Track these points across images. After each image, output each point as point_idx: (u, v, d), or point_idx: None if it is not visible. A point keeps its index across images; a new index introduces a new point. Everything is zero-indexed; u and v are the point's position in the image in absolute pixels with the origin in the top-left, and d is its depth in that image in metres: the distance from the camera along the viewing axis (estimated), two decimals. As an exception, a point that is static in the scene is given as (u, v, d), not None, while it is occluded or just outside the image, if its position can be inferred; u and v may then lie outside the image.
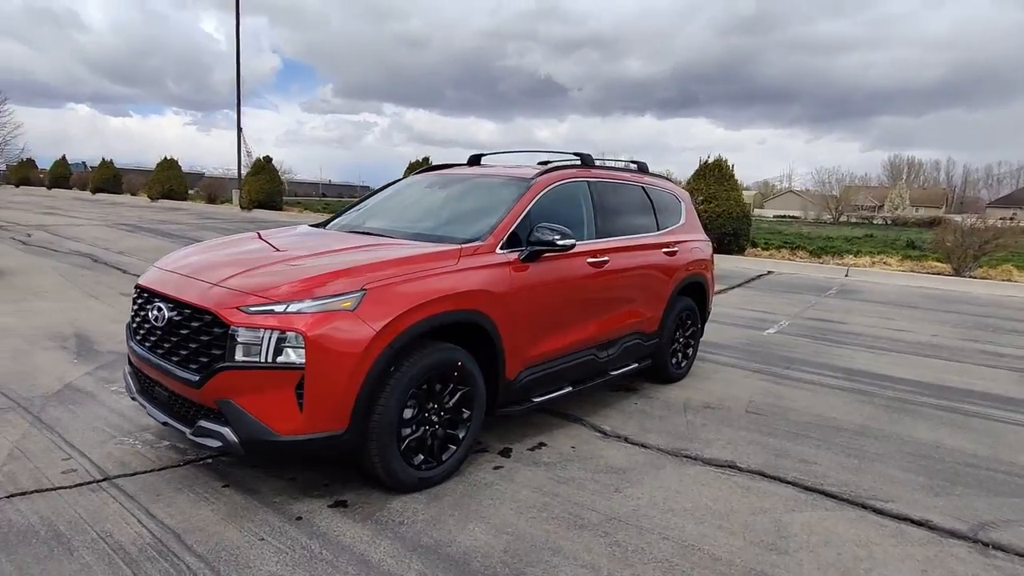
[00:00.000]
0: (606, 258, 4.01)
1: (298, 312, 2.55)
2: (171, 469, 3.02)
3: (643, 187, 4.81)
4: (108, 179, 38.86)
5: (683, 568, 2.40)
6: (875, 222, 44.05)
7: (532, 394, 3.57)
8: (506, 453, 3.45)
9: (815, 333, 7.12)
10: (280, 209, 27.73)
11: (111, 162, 40.51)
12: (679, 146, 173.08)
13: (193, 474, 2.99)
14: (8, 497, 2.67)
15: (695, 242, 5.17)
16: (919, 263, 13.65)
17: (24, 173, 47.93)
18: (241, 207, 28.13)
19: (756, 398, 4.65)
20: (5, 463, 3.00)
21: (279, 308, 2.56)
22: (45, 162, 45.93)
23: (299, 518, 2.63)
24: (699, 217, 5.54)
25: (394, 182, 4.75)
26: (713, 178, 13.46)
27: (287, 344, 2.51)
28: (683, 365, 5.07)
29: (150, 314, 2.90)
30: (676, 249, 4.82)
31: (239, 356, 2.52)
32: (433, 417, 2.97)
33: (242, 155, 29.48)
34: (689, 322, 5.10)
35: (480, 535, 2.57)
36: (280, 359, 2.51)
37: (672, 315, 4.77)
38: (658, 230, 4.77)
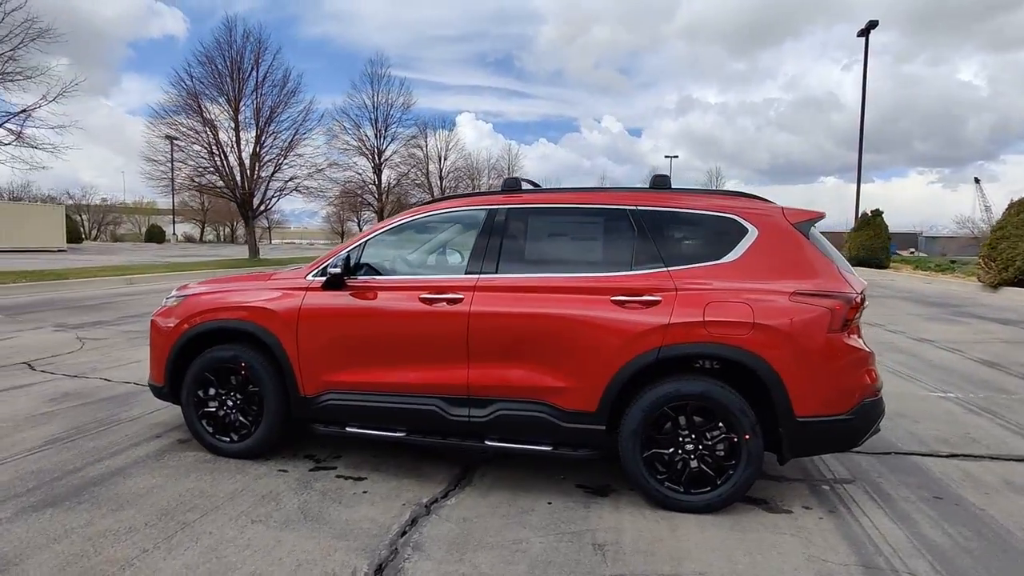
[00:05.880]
0: (459, 295, 3.36)
1: (162, 303, 4.07)
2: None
3: (629, 210, 3.39)
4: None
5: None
6: None
7: (347, 422, 3.58)
8: (309, 464, 3.68)
9: None
10: (882, 267, 24.84)
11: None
12: None
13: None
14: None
15: (743, 291, 3.09)
16: None
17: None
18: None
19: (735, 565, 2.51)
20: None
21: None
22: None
23: (168, 442, 4.08)
24: None
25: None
26: None
27: None
28: (699, 492, 3.11)
29: None
30: (657, 298, 3.15)
31: (158, 327, 4.22)
32: (228, 402, 3.74)
33: (978, 209, 27.51)
34: (713, 423, 3.09)
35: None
36: (158, 332, 4.08)
37: (643, 399, 3.12)
38: (631, 269, 3.27)
